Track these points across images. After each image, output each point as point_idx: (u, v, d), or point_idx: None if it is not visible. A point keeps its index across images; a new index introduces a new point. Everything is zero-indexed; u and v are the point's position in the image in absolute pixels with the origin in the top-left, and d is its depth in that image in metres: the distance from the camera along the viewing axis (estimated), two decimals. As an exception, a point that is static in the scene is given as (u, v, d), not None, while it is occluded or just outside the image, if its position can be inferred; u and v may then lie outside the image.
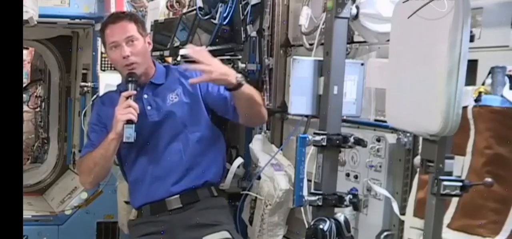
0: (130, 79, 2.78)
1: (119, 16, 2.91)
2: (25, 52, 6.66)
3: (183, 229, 2.78)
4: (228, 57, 3.28)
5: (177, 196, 2.82)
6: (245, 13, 3.20)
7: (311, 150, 2.29)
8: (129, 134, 2.69)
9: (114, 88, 3.00)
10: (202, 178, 2.83)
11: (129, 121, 2.68)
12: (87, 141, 3.01)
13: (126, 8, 4.25)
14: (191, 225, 2.78)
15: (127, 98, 2.72)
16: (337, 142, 2.16)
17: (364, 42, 2.52)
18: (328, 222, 2.08)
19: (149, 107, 2.84)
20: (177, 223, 2.79)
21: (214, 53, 3.24)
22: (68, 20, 4.66)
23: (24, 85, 6.68)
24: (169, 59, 3.52)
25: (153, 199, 2.85)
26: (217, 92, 2.83)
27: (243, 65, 3.21)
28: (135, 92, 2.74)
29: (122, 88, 2.85)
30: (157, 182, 2.83)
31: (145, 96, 2.85)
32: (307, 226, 2.22)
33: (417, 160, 1.83)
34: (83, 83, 4.92)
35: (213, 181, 2.88)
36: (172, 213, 2.81)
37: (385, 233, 2.37)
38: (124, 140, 2.70)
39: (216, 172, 2.90)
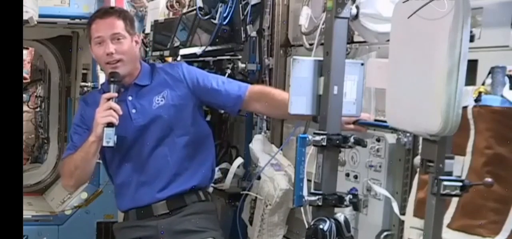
0: (112, 79, 2.70)
1: (107, 12, 2.82)
2: (25, 52, 6.66)
3: (169, 235, 2.75)
4: (228, 57, 3.29)
5: (164, 202, 2.77)
6: (245, 13, 3.20)
7: (311, 150, 2.29)
8: (109, 138, 2.59)
9: None
10: (189, 183, 2.78)
11: (109, 124, 2.60)
12: (69, 142, 2.92)
13: (126, 8, 4.25)
14: (176, 231, 2.74)
15: (109, 99, 2.64)
16: (337, 142, 2.16)
17: (364, 42, 2.52)
18: (328, 222, 2.08)
19: (134, 110, 2.77)
20: (163, 229, 2.75)
21: (214, 53, 3.26)
22: (68, 20, 4.66)
23: (24, 85, 6.68)
24: (169, 59, 3.52)
25: (140, 204, 2.80)
26: (211, 87, 2.78)
27: (243, 65, 3.21)
28: (116, 94, 2.66)
29: (106, 87, 2.78)
30: (143, 188, 2.78)
31: (130, 98, 2.78)
32: (307, 226, 2.22)
33: (417, 160, 1.83)
34: (83, 83, 4.92)
35: (201, 185, 2.83)
36: (159, 218, 2.77)
37: (385, 233, 2.37)
38: (103, 145, 2.61)
39: (205, 175, 2.84)
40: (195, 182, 2.80)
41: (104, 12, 2.83)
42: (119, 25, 2.73)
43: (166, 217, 2.77)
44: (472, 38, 1.56)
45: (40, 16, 3.95)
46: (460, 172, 1.76)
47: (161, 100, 2.77)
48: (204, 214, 2.81)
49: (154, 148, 2.76)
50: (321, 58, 2.18)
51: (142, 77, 2.81)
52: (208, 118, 3.27)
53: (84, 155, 2.71)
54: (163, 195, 2.76)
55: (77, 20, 4.66)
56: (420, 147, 1.76)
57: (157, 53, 3.54)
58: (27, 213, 4.68)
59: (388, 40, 1.81)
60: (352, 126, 2.35)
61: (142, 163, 2.77)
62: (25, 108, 6.79)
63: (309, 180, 2.21)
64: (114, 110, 2.62)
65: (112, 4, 4.21)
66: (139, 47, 2.86)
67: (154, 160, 2.76)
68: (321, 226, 2.06)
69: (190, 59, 3.24)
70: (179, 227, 2.75)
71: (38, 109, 6.90)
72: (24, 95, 6.79)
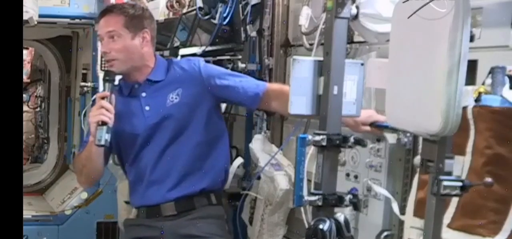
0: (107, 78, 2.68)
1: (108, 9, 2.79)
2: (25, 52, 6.66)
3: (174, 238, 2.72)
4: (228, 57, 3.29)
5: (173, 202, 2.73)
6: (245, 13, 3.20)
7: (311, 150, 2.29)
8: (100, 136, 2.56)
9: None
10: (199, 185, 2.73)
11: (103, 123, 2.57)
12: (84, 138, 2.92)
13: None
14: (181, 235, 2.71)
15: (102, 98, 2.62)
16: (337, 142, 2.16)
17: (364, 42, 2.52)
18: (328, 222, 2.07)
19: (147, 107, 2.73)
20: (169, 231, 2.72)
21: (214, 53, 3.26)
22: (68, 20, 4.66)
23: (24, 85, 6.69)
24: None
25: (149, 203, 2.77)
26: (228, 84, 2.72)
27: (243, 65, 3.21)
28: (108, 93, 2.64)
29: (122, 84, 2.78)
30: (153, 186, 2.75)
31: (143, 94, 2.74)
32: (307, 226, 2.22)
33: (417, 160, 1.83)
34: (83, 83, 4.92)
35: (212, 188, 2.77)
36: (166, 220, 2.74)
37: (385, 233, 2.37)
38: (95, 143, 2.59)
39: (216, 177, 2.79)
40: (206, 184, 2.75)
41: (105, 9, 2.81)
42: (115, 23, 2.68)
43: (173, 219, 2.73)
44: (472, 38, 1.56)
45: (40, 16, 3.95)
46: (460, 172, 1.76)
47: (176, 98, 2.72)
48: (211, 219, 2.76)
49: (166, 147, 2.72)
50: (321, 58, 2.18)
51: (155, 72, 2.76)
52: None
53: (87, 154, 2.72)
54: (173, 196, 2.72)
55: (77, 20, 4.66)
56: (420, 147, 1.76)
57: (157, 53, 3.54)
58: (27, 213, 4.69)
59: (388, 40, 1.81)
60: (368, 128, 2.34)
61: (154, 161, 2.73)
62: (25, 108, 6.80)
63: (309, 180, 2.21)
64: (107, 110, 2.59)
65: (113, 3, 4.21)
66: (149, 43, 2.75)
67: (165, 159, 2.72)
68: (321, 226, 2.06)
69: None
70: (184, 231, 2.71)
71: (38, 109, 6.91)
72: (24, 95, 6.80)
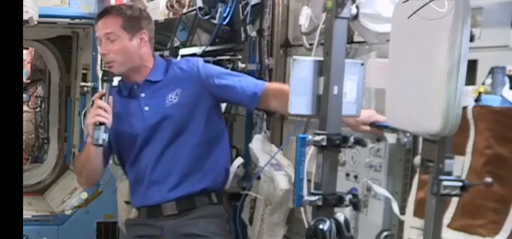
0: (105, 78, 2.69)
1: (106, 11, 2.79)
2: (25, 52, 6.67)
3: (174, 237, 2.73)
4: (228, 57, 3.29)
5: (173, 202, 2.73)
6: (245, 13, 3.20)
7: (311, 150, 2.29)
8: (98, 136, 2.56)
9: None
10: (200, 184, 2.73)
11: (101, 123, 2.57)
12: (85, 138, 2.92)
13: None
14: (183, 234, 2.71)
15: (100, 98, 2.62)
16: (337, 142, 2.16)
17: (364, 42, 2.52)
18: (328, 222, 2.07)
19: (146, 108, 2.73)
20: (170, 230, 2.73)
21: (214, 53, 3.25)
22: (68, 20, 4.67)
23: (24, 85, 6.70)
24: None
25: (150, 203, 2.77)
26: (226, 84, 2.72)
27: (243, 65, 3.21)
28: (105, 92, 2.64)
29: (121, 85, 2.79)
30: (154, 186, 2.74)
31: (142, 94, 2.74)
32: (307, 226, 2.22)
33: (417, 160, 1.83)
34: (83, 83, 4.93)
35: (212, 188, 2.78)
36: (167, 219, 2.74)
37: (385, 233, 2.37)
38: (93, 143, 2.59)
39: (217, 177, 2.79)
40: (207, 183, 2.75)
41: (103, 11, 2.81)
42: (114, 24, 2.68)
43: (174, 218, 2.73)
44: (472, 38, 1.56)
45: (40, 16, 3.96)
46: (460, 172, 1.76)
47: (175, 98, 2.72)
48: (212, 218, 2.76)
49: (166, 147, 2.72)
50: (321, 58, 2.18)
51: (154, 73, 2.76)
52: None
53: (86, 155, 2.73)
54: (174, 195, 2.72)
55: (77, 20, 4.67)
56: (420, 147, 1.76)
57: (157, 53, 3.54)
58: (27, 213, 4.70)
59: (388, 40, 1.81)
60: (368, 128, 2.34)
61: (154, 162, 2.73)
62: (25, 108, 6.81)
63: (309, 180, 2.21)
64: (104, 110, 2.59)
65: (112, 4, 4.21)
66: (147, 44, 2.75)
67: (165, 159, 2.72)
68: (321, 226, 2.06)
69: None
70: (185, 230, 2.71)
71: (38, 109, 6.91)
72: (24, 95, 6.80)
